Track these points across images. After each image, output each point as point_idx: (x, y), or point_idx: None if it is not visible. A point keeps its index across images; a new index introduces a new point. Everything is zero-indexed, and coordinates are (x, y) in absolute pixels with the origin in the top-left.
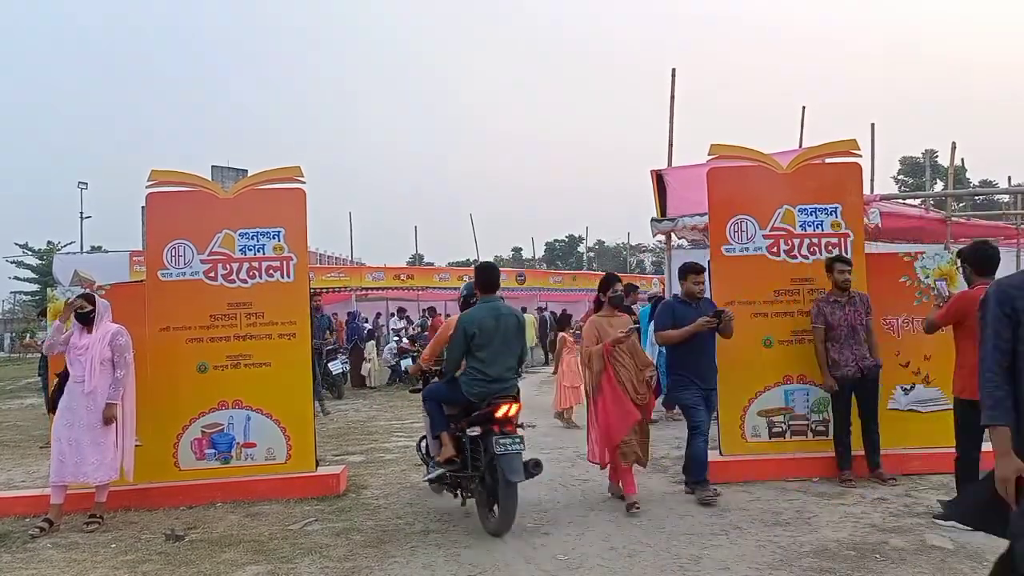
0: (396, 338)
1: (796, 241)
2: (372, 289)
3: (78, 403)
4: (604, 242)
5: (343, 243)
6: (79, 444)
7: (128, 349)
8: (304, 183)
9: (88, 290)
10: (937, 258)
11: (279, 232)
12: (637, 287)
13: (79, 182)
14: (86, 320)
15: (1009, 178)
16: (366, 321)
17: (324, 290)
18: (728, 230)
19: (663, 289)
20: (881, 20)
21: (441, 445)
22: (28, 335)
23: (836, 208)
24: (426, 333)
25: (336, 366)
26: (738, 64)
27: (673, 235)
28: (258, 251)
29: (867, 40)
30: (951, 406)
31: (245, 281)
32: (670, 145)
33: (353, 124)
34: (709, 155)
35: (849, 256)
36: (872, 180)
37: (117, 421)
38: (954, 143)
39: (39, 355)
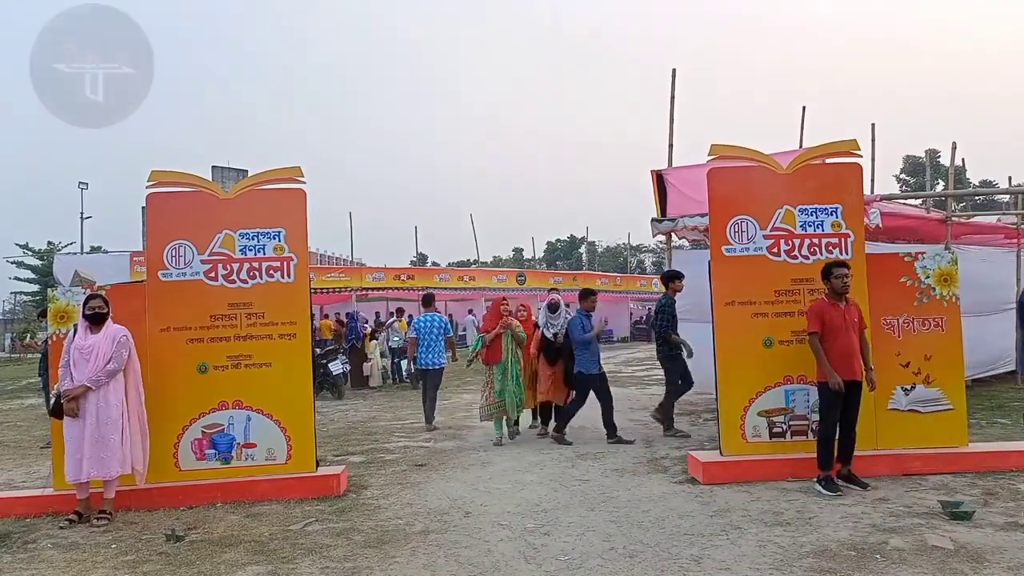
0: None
1: (796, 241)
2: (372, 289)
3: (86, 402)
4: (596, 242)
5: (344, 243)
6: (90, 442)
7: (125, 347)
8: (304, 183)
9: (92, 290)
10: (938, 258)
11: (279, 232)
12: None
13: (79, 182)
14: (100, 321)
15: (1009, 178)
16: (367, 322)
17: (324, 290)
18: (728, 230)
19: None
20: (883, 20)
21: None
22: (28, 335)
23: (836, 208)
24: None
25: (336, 366)
26: (739, 64)
27: (673, 235)
28: (258, 251)
29: (869, 39)
30: (952, 406)
31: (245, 281)
32: (670, 145)
33: (353, 124)
34: (709, 155)
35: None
36: (872, 180)
37: (123, 419)
38: (954, 143)
39: (39, 355)
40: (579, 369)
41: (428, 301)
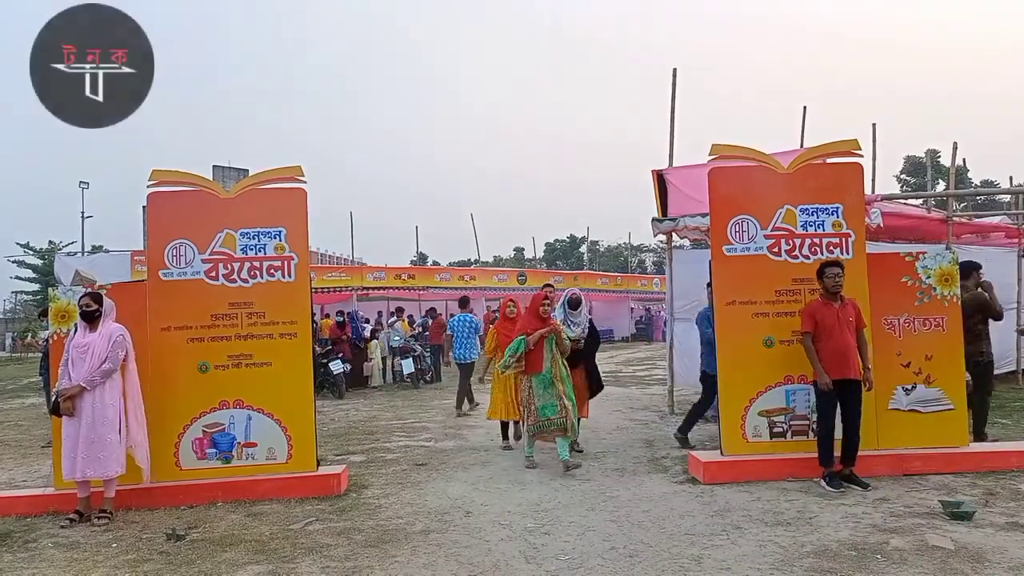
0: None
1: (797, 241)
2: (373, 289)
3: (81, 401)
4: (598, 242)
5: (344, 243)
6: (85, 441)
7: (121, 347)
8: (305, 183)
9: (92, 289)
10: (938, 258)
11: (280, 232)
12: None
13: (80, 182)
14: (91, 319)
15: (1011, 178)
16: (367, 321)
17: (325, 290)
18: (729, 230)
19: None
20: (883, 20)
21: None
22: (30, 335)
23: (837, 208)
24: (427, 333)
25: (337, 366)
26: (740, 63)
27: (674, 235)
28: (259, 251)
29: (869, 39)
30: (953, 406)
31: (246, 281)
32: (671, 145)
33: (353, 124)
34: (710, 155)
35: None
36: (873, 180)
37: (120, 419)
38: (955, 143)
39: (40, 354)
40: (705, 370)
41: (464, 303)
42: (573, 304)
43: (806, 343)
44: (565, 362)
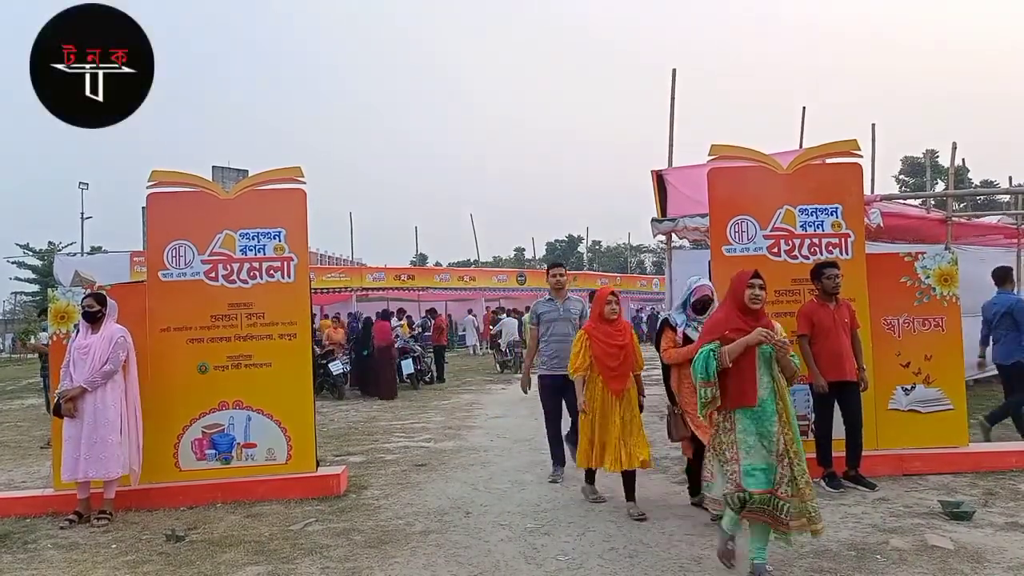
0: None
1: (796, 241)
2: (373, 289)
3: (83, 402)
4: (599, 242)
5: (344, 243)
6: (87, 442)
7: (122, 348)
8: (304, 183)
9: (93, 290)
10: (938, 258)
11: (280, 232)
12: None
13: (80, 182)
14: (94, 320)
15: (1010, 178)
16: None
17: (324, 290)
18: (729, 230)
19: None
20: (883, 20)
21: None
22: (30, 337)
23: (837, 208)
24: (427, 334)
25: (336, 367)
26: (740, 63)
27: (674, 235)
28: (259, 251)
29: (869, 39)
30: (952, 406)
31: (246, 282)
32: (670, 145)
33: (353, 124)
34: (709, 155)
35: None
36: (872, 180)
37: (122, 420)
38: (955, 143)
39: (40, 356)
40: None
41: None
42: (701, 307)
43: (802, 346)
44: (787, 395)
